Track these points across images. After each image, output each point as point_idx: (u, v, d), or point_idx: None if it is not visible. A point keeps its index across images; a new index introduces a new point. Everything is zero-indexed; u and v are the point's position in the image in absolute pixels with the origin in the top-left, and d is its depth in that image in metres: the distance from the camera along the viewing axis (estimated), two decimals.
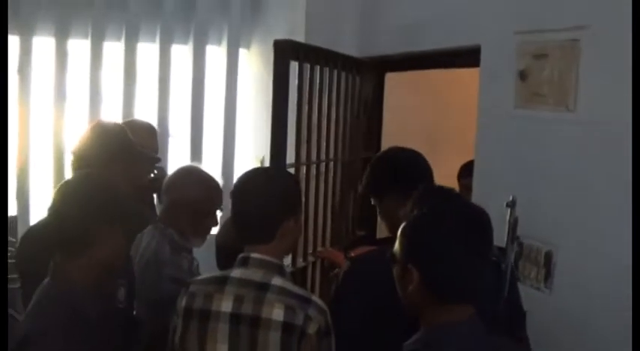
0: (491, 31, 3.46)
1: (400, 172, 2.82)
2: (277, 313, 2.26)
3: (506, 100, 3.33)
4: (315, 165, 4.13)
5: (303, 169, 4.00)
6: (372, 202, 2.92)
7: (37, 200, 5.21)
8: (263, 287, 2.33)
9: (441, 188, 2.15)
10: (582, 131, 2.93)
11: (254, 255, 2.39)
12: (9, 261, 4.61)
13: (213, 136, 5.91)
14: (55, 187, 5.03)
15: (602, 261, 2.86)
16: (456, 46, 3.77)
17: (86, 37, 5.17)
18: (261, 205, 2.41)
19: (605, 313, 2.84)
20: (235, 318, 2.30)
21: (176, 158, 5.58)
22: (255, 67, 6.10)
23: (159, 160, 3.56)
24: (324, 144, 4.19)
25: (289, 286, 2.37)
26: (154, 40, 5.52)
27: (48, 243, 2.51)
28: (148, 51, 5.54)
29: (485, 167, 3.56)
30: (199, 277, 2.51)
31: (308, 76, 3.94)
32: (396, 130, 4.77)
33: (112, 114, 5.29)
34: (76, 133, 5.18)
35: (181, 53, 5.76)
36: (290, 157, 3.82)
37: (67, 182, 2.44)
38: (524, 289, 2.89)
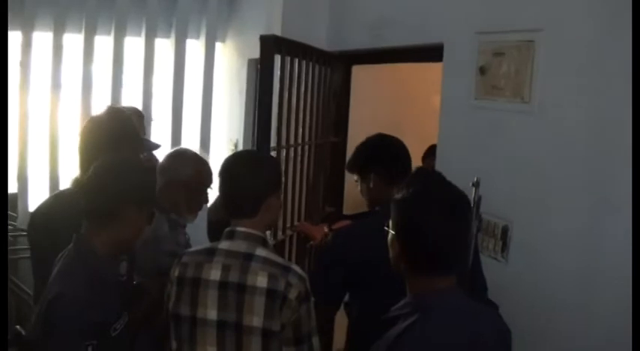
0: (454, 30, 3.50)
1: (384, 155, 2.96)
2: (261, 281, 2.32)
3: (467, 92, 3.39)
4: (292, 148, 4.20)
5: (283, 151, 4.08)
6: (356, 180, 3.04)
7: (34, 179, 5.27)
8: (248, 257, 2.38)
9: (432, 171, 2.19)
10: (535, 119, 3.00)
11: (239, 228, 2.45)
12: (9, 235, 4.66)
13: (192, 121, 5.98)
14: (50, 167, 5.12)
15: (552, 234, 2.94)
16: (421, 43, 3.81)
17: (80, 31, 5.20)
18: (247, 184, 2.45)
19: (555, 280, 2.92)
20: (223, 285, 2.35)
21: (157, 140, 5.62)
22: (230, 59, 6.16)
23: (159, 146, 3.61)
24: (300, 129, 4.27)
25: (271, 256, 2.42)
26: (139, 34, 5.57)
27: (59, 217, 2.63)
28: (134, 44, 5.58)
29: (447, 152, 3.61)
30: (191, 249, 2.54)
31: (288, 67, 4.02)
32: (363, 118, 4.85)
33: (102, 101, 5.34)
34: (70, 119, 5.29)
35: (164, 46, 5.82)
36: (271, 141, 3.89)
37: (104, 161, 2.47)
38: (483, 259, 2.95)
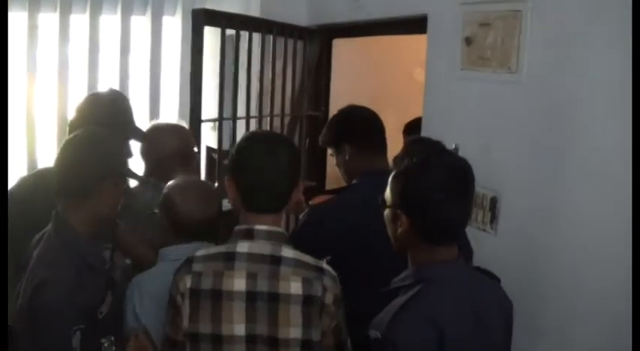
0: (438, 1, 3.47)
1: (357, 126, 2.91)
2: (295, 287, 2.07)
3: (453, 64, 3.36)
4: (256, 119, 4.29)
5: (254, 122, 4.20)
6: (331, 154, 3.00)
7: (11, 160, 5.18)
8: (275, 261, 2.10)
9: (429, 140, 2.15)
10: (523, 89, 2.98)
11: (260, 227, 2.14)
12: None
13: (169, 98, 5.93)
14: (27, 148, 5.03)
15: (540, 205, 2.94)
16: (404, 14, 3.78)
17: (55, 10, 5.11)
18: (278, 175, 2.15)
19: (544, 252, 2.93)
20: (251, 296, 2.06)
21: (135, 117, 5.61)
22: (206, 37, 6.09)
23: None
24: (254, 100, 4.30)
25: (300, 256, 2.14)
26: (115, 12, 5.49)
27: (41, 198, 2.56)
28: (110, 22, 5.51)
29: (432, 123, 3.60)
30: (199, 254, 2.15)
31: (233, 41, 4.04)
32: (345, 92, 4.79)
33: (78, 81, 5.27)
34: (46, 99, 5.21)
35: (140, 24, 5.74)
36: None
37: (75, 136, 2.41)
38: (472, 231, 2.93)
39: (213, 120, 3.98)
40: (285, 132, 4.57)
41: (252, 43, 4.07)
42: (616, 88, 2.54)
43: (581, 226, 2.77)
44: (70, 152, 2.36)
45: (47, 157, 5.30)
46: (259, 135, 2.56)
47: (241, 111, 4.09)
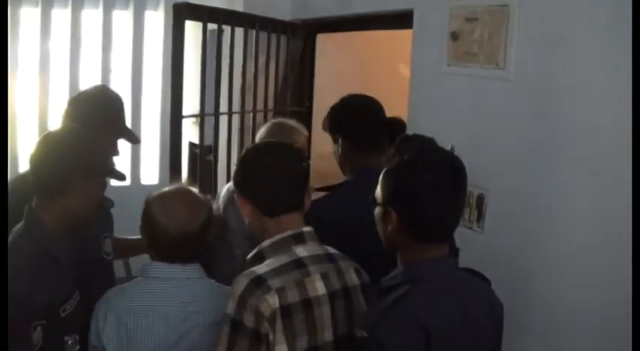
0: None
1: (352, 123, 2.82)
2: (354, 278, 2.10)
3: (439, 59, 3.33)
4: (238, 114, 4.26)
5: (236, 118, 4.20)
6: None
7: None
8: (331, 258, 2.11)
9: (422, 137, 2.12)
10: (511, 85, 2.96)
11: (306, 229, 2.11)
12: None
13: (152, 93, 5.90)
14: (9, 149, 4.98)
15: (528, 203, 2.93)
16: (390, 9, 3.76)
17: (37, 5, 5.08)
18: (297, 172, 2.15)
19: (530, 250, 2.92)
20: (332, 296, 2.03)
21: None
22: (190, 32, 6.06)
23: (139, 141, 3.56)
24: (237, 95, 4.25)
25: (334, 250, 2.16)
26: (97, 7, 5.46)
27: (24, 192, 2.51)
28: (92, 17, 5.48)
29: (418, 119, 3.57)
30: (267, 270, 1.99)
31: (216, 36, 4.00)
32: (328, 87, 4.72)
33: (60, 76, 5.24)
34: (27, 95, 5.16)
35: (122, 18, 5.70)
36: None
37: (50, 133, 2.39)
38: (459, 229, 2.86)
39: (195, 116, 3.93)
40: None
41: (234, 37, 4.03)
42: (603, 83, 2.53)
43: (568, 224, 2.75)
44: (43, 148, 2.31)
45: (28, 152, 5.27)
46: (262, 144, 2.53)
47: (224, 106, 4.04)
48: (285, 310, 1.91)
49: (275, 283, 1.93)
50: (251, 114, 4.38)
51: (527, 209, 2.93)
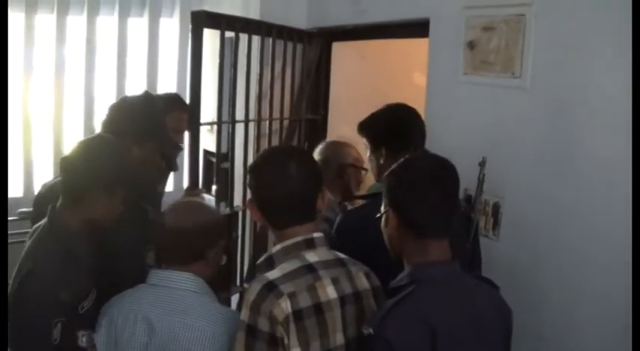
0: (440, 5, 3.47)
1: (395, 132, 2.83)
2: (365, 282, 2.15)
3: (455, 68, 3.36)
4: (254, 122, 4.26)
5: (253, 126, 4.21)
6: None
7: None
8: (342, 263, 2.15)
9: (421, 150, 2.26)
10: (527, 94, 2.98)
11: (317, 235, 2.15)
12: None
13: None
14: (24, 149, 5.05)
15: (543, 211, 2.94)
16: (406, 18, 3.78)
17: (52, 11, 5.13)
18: (310, 182, 2.16)
19: (546, 258, 2.93)
20: (342, 300, 2.07)
21: None
22: (205, 39, 6.10)
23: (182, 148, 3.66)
24: (253, 103, 4.27)
25: (344, 255, 2.21)
26: (112, 14, 5.51)
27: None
28: (107, 23, 5.53)
29: (434, 128, 3.47)
30: (278, 275, 2.03)
31: (232, 43, 4.03)
32: (344, 96, 4.80)
33: (75, 82, 5.29)
34: (42, 101, 5.22)
35: (137, 25, 5.76)
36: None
37: (85, 140, 2.51)
38: None
39: (212, 123, 3.96)
40: (284, 136, 4.56)
41: (251, 45, 4.06)
42: (619, 93, 2.54)
43: (583, 232, 2.77)
44: (75, 154, 2.43)
45: (43, 158, 5.33)
46: (271, 152, 2.47)
47: (240, 114, 4.08)
48: (298, 315, 1.96)
49: (287, 287, 1.97)
50: (267, 122, 4.40)
51: (542, 217, 2.96)
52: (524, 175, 3.04)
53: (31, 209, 2.92)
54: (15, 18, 5.03)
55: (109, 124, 2.93)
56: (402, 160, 2.13)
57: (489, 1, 3.18)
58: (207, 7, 5.99)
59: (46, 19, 5.25)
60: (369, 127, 2.89)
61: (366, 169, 3.64)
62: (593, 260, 2.73)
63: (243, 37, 4.01)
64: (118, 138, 2.63)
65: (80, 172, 2.38)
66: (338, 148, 3.78)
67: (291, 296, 1.96)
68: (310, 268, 2.06)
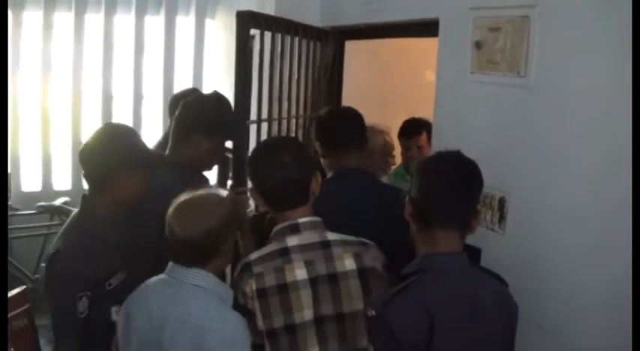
0: (449, 5, 3.53)
1: (324, 130, 3.28)
2: (349, 263, 2.33)
3: (463, 67, 3.41)
4: (276, 121, 4.34)
5: (275, 124, 4.27)
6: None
7: (27, 159, 5.32)
8: (325, 245, 2.35)
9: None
10: (532, 93, 3.03)
11: (303, 220, 2.39)
12: None
13: None
14: (42, 146, 5.17)
15: (546, 207, 3.00)
16: (416, 18, 3.85)
17: (70, 10, 5.23)
18: (298, 170, 2.40)
19: (549, 250, 2.98)
20: (313, 281, 2.30)
21: (148, 117, 5.75)
22: (220, 35, 6.16)
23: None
24: (286, 103, 4.37)
25: (343, 236, 2.39)
26: (129, 12, 5.61)
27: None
28: (124, 22, 5.62)
29: (443, 125, 3.65)
30: (254, 257, 2.36)
31: (269, 42, 4.08)
32: (356, 93, 4.87)
33: (93, 80, 5.38)
34: (60, 98, 5.33)
35: (154, 23, 5.86)
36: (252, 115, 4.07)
37: (95, 131, 2.69)
38: (480, 230, 2.89)
39: (254, 122, 4.07)
40: (302, 134, 4.66)
41: (275, 44, 4.11)
42: (623, 91, 2.58)
43: (588, 227, 2.82)
44: (87, 146, 2.64)
45: (61, 154, 5.44)
46: (266, 143, 2.78)
47: (262, 113, 4.19)
48: (262, 292, 2.28)
49: (257, 269, 2.32)
50: (292, 120, 4.50)
51: (546, 212, 3.01)
52: (529, 171, 3.09)
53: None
54: (33, 16, 5.14)
55: (182, 119, 3.12)
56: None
57: (495, 2, 3.23)
58: (222, 6, 6.13)
59: (64, 18, 5.34)
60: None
61: (392, 156, 3.82)
62: (599, 255, 2.76)
63: (266, 35, 4.09)
64: (190, 132, 2.96)
65: (95, 159, 2.59)
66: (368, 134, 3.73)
67: (259, 276, 2.30)
68: (283, 252, 2.34)
